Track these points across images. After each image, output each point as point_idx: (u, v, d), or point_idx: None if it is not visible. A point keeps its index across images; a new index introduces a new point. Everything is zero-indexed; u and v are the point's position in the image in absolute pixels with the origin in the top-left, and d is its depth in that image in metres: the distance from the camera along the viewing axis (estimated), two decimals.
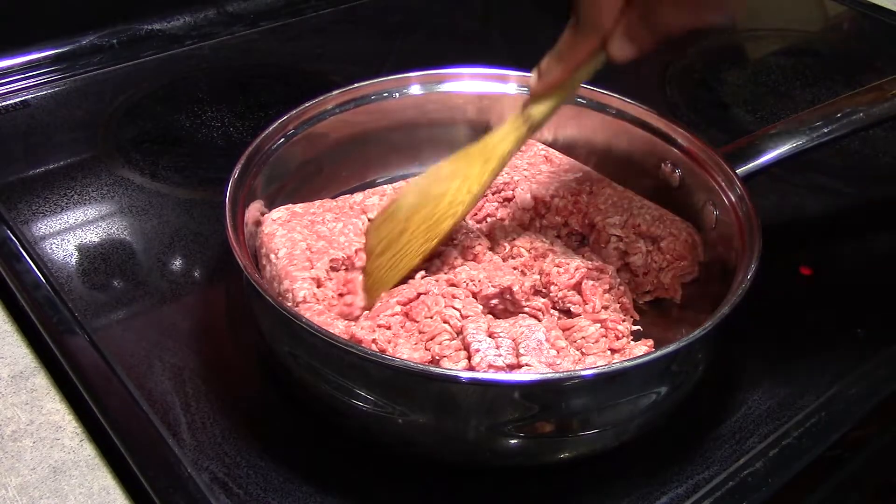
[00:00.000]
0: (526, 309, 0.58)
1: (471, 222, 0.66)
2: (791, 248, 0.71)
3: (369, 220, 0.63)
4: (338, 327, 0.55)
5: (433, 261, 0.61)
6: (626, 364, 0.50)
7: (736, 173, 0.62)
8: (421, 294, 0.57)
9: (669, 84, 0.94)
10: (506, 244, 0.63)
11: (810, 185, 0.78)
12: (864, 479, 0.62)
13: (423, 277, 0.59)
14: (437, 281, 0.58)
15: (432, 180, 0.60)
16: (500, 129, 0.59)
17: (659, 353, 0.50)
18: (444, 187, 0.59)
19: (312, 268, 0.59)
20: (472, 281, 0.58)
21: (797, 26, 1.12)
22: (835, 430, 0.57)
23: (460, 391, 0.50)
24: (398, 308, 0.56)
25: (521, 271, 0.61)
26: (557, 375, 0.51)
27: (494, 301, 0.58)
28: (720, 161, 0.63)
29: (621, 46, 0.51)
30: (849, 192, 0.79)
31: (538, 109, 0.57)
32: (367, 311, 0.58)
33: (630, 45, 0.51)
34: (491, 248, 0.63)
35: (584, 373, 0.51)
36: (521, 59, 0.77)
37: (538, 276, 0.61)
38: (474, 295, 0.58)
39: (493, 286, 0.58)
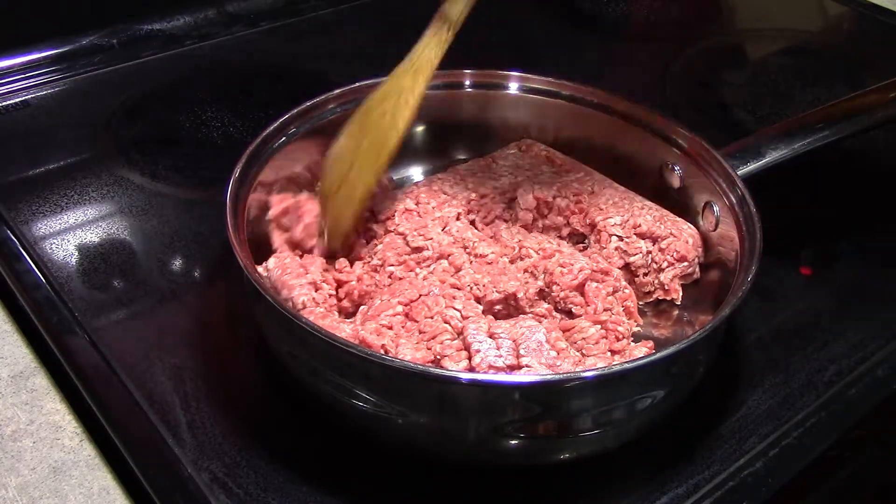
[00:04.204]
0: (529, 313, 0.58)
1: (480, 225, 0.66)
2: (791, 248, 0.71)
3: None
4: (344, 330, 0.55)
5: (440, 261, 0.61)
6: (626, 366, 0.50)
7: (737, 174, 0.62)
8: (422, 295, 0.57)
9: (669, 84, 0.94)
10: (514, 245, 0.63)
11: (810, 185, 0.78)
12: (864, 479, 0.62)
13: (425, 279, 0.59)
14: (441, 283, 0.58)
15: (368, 109, 0.62)
16: (423, 40, 0.62)
17: (659, 354, 0.50)
18: (382, 108, 0.62)
19: (307, 273, 0.59)
20: (476, 285, 0.58)
21: (797, 26, 1.12)
22: (835, 430, 0.57)
23: (460, 392, 0.50)
24: (399, 308, 0.56)
25: (531, 273, 0.61)
26: (557, 377, 0.51)
27: (498, 307, 0.58)
28: (721, 161, 0.63)
29: None
30: (849, 192, 0.79)
31: (454, 9, 0.61)
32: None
33: None
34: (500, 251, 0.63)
35: (584, 374, 0.51)
36: (520, 59, 0.78)
37: (544, 276, 0.61)
38: (478, 300, 0.58)
39: (497, 291, 0.58)
